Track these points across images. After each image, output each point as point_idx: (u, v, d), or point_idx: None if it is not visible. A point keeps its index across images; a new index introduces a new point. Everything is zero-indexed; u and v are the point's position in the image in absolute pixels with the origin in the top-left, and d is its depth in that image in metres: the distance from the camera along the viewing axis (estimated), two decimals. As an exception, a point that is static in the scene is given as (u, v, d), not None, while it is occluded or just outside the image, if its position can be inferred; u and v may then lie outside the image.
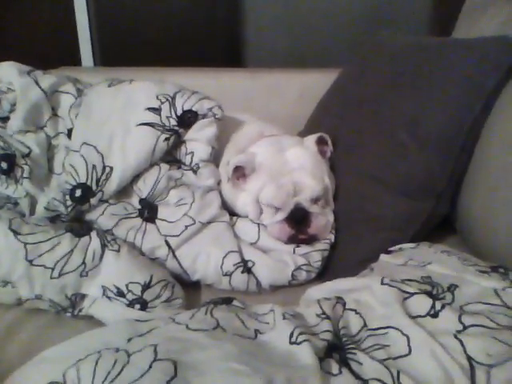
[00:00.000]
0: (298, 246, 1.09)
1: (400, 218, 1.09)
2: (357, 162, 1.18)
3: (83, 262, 0.93)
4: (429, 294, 0.75)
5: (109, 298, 0.93)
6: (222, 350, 0.63)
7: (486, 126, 1.07)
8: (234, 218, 1.13)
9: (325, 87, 1.50)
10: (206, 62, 1.77)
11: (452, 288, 0.76)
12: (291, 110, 1.62)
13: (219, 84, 1.56)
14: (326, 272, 1.10)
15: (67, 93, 1.21)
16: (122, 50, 2.28)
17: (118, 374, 0.59)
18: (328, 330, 0.69)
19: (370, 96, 1.24)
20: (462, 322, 0.67)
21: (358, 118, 1.24)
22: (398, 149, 1.11)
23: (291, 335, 0.67)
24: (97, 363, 0.62)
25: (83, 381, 0.60)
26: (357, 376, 0.62)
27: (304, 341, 0.65)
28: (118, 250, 0.97)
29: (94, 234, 0.98)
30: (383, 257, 0.97)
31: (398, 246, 1.01)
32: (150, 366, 0.59)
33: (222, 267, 1.02)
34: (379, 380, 0.61)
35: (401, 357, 0.65)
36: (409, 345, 0.66)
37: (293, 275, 1.04)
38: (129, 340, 0.68)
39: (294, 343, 0.66)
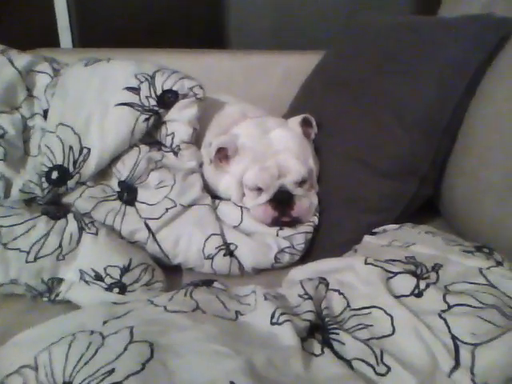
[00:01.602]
0: (281, 229, 1.07)
1: (384, 199, 1.08)
2: (341, 144, 1.16)
3: (60, 246, 0.91)
4: (413, 273, 0.74)
5: (86, 282, 0.90)
6: (201, 331, 0.61)
7: (470, 108, 1.06)
8: (217, 200, 1.11)
9: (308, 69, 1.47)
10: (188, 44, 1.73)
11: (436, 267, 0.75)
12: (274, 92, 1.59)
13: (201, 66, 1.53)
14: (309, 255, 1.09)
15: (43, 72, 1.17)
16: (102, 32, 2.22)
17: (92, 356, 0.57)
18: (310, 311, 0.67)
19: (353, 77, 1.22)
20: (446, 302, 0.66)
21: (342, 99, 1.22)
22: (381, 130, 1.09)
23: (272, 316, 0.65)
24: (70, 346, 0.60)
25: (55, 364, 0.58)
26: (339, 356, 0.61)
27: (285, 321, 0.63)
28: (96, 233, 0.95)
29: (70, 216, 0.95)
30: (367, 238, 0.96)
31: (381, 228, 1.00)
32: (126, 348, 0.57)
33: (203, 250, 1.00)
34: (362, 360, 0.60)
35: (384, 336, 0.64)
36: (392, 324, 0.65)
37: (276, 258, 1.03)
38: (104, 322, 0.66)
39: (276, 324, 0.64)
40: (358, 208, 1.08)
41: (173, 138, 1.10)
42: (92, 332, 0.63)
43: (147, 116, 1.07)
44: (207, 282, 0.81)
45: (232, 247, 1.02)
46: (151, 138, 1.12)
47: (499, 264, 0.74)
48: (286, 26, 2.13)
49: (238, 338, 0.61)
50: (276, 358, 0.57)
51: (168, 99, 1.09)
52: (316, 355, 0.61)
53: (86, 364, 0.56)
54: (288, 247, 1.04)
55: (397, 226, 0.98)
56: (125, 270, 0.91)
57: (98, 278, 0.90)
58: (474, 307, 0.66)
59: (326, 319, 0.67)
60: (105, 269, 0.91)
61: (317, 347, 0.62)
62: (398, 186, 1.07)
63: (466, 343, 0.62)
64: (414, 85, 1.07)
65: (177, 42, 1.80)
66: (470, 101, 1.05)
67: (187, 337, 0.60)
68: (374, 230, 1.00)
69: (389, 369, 0.59)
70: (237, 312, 0.70)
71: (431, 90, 1.05)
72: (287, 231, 1.07)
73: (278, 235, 1.06)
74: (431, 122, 1.05)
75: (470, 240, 0.91)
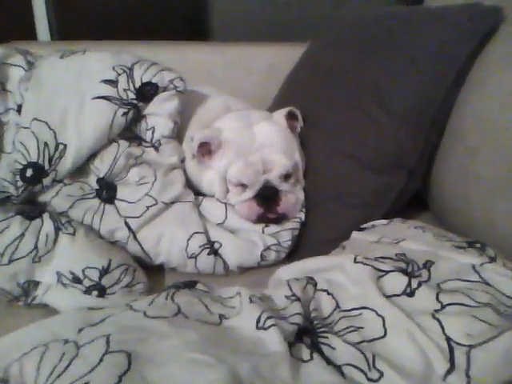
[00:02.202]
0: (267, 226, 1.04)
1: (371, 194, 1.05)
2: (327, 137, 1.13)
3: (35, 247, 0.87)
4: (404, 271, 0.71)
5: (64, 284, 0.87)
6: (183, 339, 0.57)
7: (459, 99, 1.04)
8: (200, 197, 1.08)
9: (293, 62, 1.44)
10: (169, 36, 1.68)
11: (428, 265, 0.72)
12: (258, 85, 1.55)
13: (181, 59, 1.46)
14: (296, 252, 1.06)
15: (16, 65, 1.11)
16: (80, 25, 2.15)
17: (65, 368, 0.53)
18: (298, 313, 0.64)
19: (338, 68, 1.19)
20: (439, 301, 0.64)
21: (328, 91, 1.18)
22: (367, 122, 1.06)
23: (258, 320, 0.62)
24: (42, 357, 0.56)
25: (26, 377, 0.54)
26: (329, 361, 0.58)
27: (272, 325, 0.60)
28: (74, 233, 0.91)
29: (46, 216, 0.92)
30: (355, 234, 0.93)
31: (370, 223, 0.97)
32: (101, 359, 0.54)
33: (186, 249, 0.97)
34: (353, 365, 0.56)
35: (376, 339, 0.61)
36: (384, 326, 0.62)
37: (262, 256, 1.00)
38: (79, 330, 0.62)
39: (262, 328, 0.61)
40: (346, 203, 1.05)
41: (153, 133, 1.06)
42: (66, 341, 0.60)
43: (126, 110, 1.03)
44: (190, 284, 0.77)
45: (216, 245, 0.99)
46: (130, 132, 1.08)
47: (492, 260, 0.72)
48: (270, 18, 2.09)
49: (222, 345, 0.57)
50: (262, 365, 0.54)
51: (147, 92, 1.05)
52: (305, 361, 0.58)
53: (58, 377, 0.52)
54: (274, 244, 1.01)
55: (386, 221, 0.96)
56: (104, 272, 0.88)
57: (76, 280, 0.87)
58: (468, 306, 0.63)
59: (315, 322, 0.64)
60: (83, 271, 0.87)
61: (305, 352, 0.59)
62: (386, 180, 1.05)
63: (460, 345, 0.59)
64: (401, 75, 1.04)
65: (158, 34, 1.74)
66: (459, 92, 1.03)
67: (167, 345, 0.56)
68: (362, 226, 0.98)
69: (381, 374, 0.56)
70: (221, 316, 0.66)
71: (419, 81, 1.02)
72: (273, 228, 1.04)
73: (263, 232, 1.03)
74: (419, 113, 1.02)
75: (459, 234, 0.89)
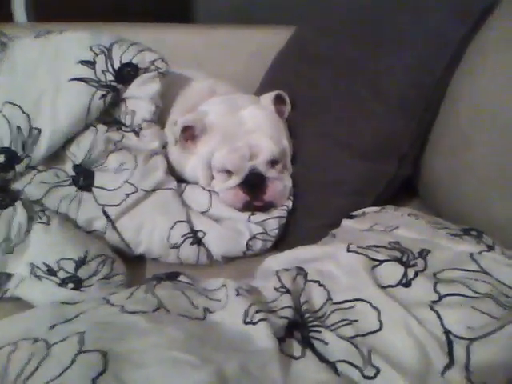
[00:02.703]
0: (253, 214, 1.00)
1: (361, 181, 1.02)
2: (316, 122, 1.09)
3: (7, 237, 0.83)
4: (399, 260, 0.67)
5: (38, 276, 0.83)
6: (164, 336, 0.53)
7: (452, 83, 1.00)
8: (183, 184, 1.03)
9: (280, 45, 1.39)
10: (151, 18, 1.62)
11: (424, 253, 0.68)
12: (244, 69, 1.50)
13: (164, 41, 1.39)
14: (283, 241, 1.03)
15: (-13, 47, 1.05)
16: (59, 6, 2.07)
17: (34, 371, 0.49)
18: (288, 306, 0.60)
19: (328, 51, 1.14)
20: (437, 291, 0.60)
21: (317, 74, 1.14)
22: (358, 107, 1.03)
23: (246, 314, 0.58)
24: (9, 358, 0.51)
25: (-9, 380, 0.49)
26: (322, 358, 0.54)
27: (260, 320, 0.56)
28: (48, 223, 0.87)
29: (19, 204, 0.87)
30: (346, 222, 0.89)
31: (360, 211, 0.94)
32: (74, 360, 0.49)
33: (168, 239, 0.93)
34: (348, 362, 0.53)
35: (371, 333, 0.57)
36: (379, 319, 0.58)
37: (248, 245, 0.97)
38: (51, 327, 0.57)
39: (250, 323, 0.57)
40: (335, 190, 1.02)
41: (133, 117, 1.01)
42: (36, 340, 0.55)
43: (104, 92, 0.98)
44: (171, 276, 0.73)
45: (200, 235, 0.95)
46: (109, 116, 1.03)
47: (490, 248, 0.69)
48: (256, 0, 2.03)
49: (207, 342, 0.53)
50: (251, 364, 0.50)
51: (127, 73, 1.00)
52: (296, 358, 0.53)
53: (26, 380, 0.47)
54: (261, 233, 0.98)
55: (377, 208, 0.92)
56: (80, 263, 0.84)
57: (51, 272, 0.83)
58: (468, 297, 0.60)
59: (306, 315, 0.60)
60: (58, 262, 0.83)
61: (296, 348, 0.55)
62: (377, 167, 1.02)
63: (460, 337, 0.56)
64: (393, 58, 1.00)
65: (139, 16, 1.67)
66: (452, 75, 0.99)
67: (147, 343, 0.52)
68: (352, 214, 0.94)
69: (378, 371, 0.52)
70: (205, 309, 0.62)
71: (411, 63, 0.98)
72: (260, 216, 1.00)
73: (249, 221, 1.00)
74: (411, 97, 0.99)
75: (450, 221, 0.86)
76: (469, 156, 0.93)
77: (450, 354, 0.55)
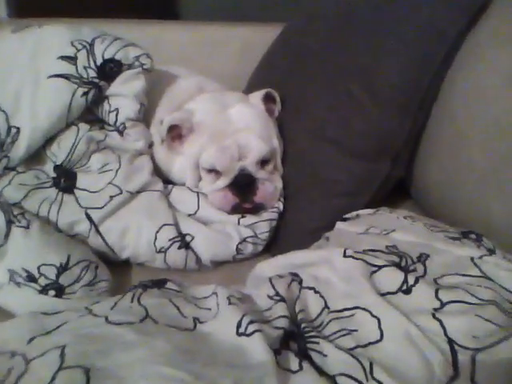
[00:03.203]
0: (242, 217, 0.98)
1: (354, 181, 0.98)
2: (307, 122, 1.06)
3: None
4: (397, 265, 0.64)
5: (17, 283, 0.79)
6: (152, 350, 0.49)
7: (447, 80, 0.97)
8: (169, 186, 1.00)
9: (268, 42, 1.37)
10: (136, 14, 1.58)
11: (423, 258, 0.66)
12: (232, 67, 1.47)
13: (150, 38, 1.36)
14: (274, 244, 1.00)
15: (-37, 42, 1.01)
16: (42, 2, 2.01)
17: (10, 389, 0.44)
18: (283, 316, 0.57)
19: (318, 48, 1.11)
20: (438, 298, 0.57)
21: (307, 72, 1.11)
22: (351, 105, 1.00)
23: (239, 325, 0.54)
24: (-17, 375, 0.47)
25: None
26: (321, 371, 0.50)
27: (255, 331, 0.52)
28: (28, 227, 0.83)
29: None
30: (339, 225, 0.86)
31: (354, 213, 0.91)
32: (54, 377, 0.45)
33: (155, 243, 0.90)
34: (348, 375, 0.49)
35: (371, 343, 0.54)
36: (380, 328, 0.55)
37: (237, 249, 0.94)
38: (30, 340, 0.53)
39: (243, 335, 0.53)
40: (327, 191, 0.99)
41: (117, 115, 0.98)
42: (13, 353, 0.51)
43: (86, 89, 0.95)
44: (159, 283, 0.69)
45: (188, 238, 0.92)
46: (92, 115, 1.00)
47: (491, 252, 0.66)
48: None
49: (198, 356, 0.49)
50: (245, 379, 0.46)
51: (110, 70, 0.97)
52: (293, 372, 0.50)
53: (1, 400, 0.44)
54: (251, 236, 0.95)
55: (371, 210, 0.89)
56: (62, 269, 0.80)
57: (31, 278, 0.79)
58: (471, 304, 0.57)
59: (303, 325, 0.57)
60: (38, 268, 0.79)
61: (293, 361, 0.51)
62: (370, 167, 0.98)
63: (464, 348, 0.53)
64: (387, 55, 0.97)
65: (124, 11, 1.63)
66: (447, 73, 0.97)
67: (133, 357, 0.48)
68: (345, 216, 0.91)
69: (380, 384, 0.49)
70: (195, 319, 0.58)
71: (405, 59, 0.95)
72: (250, 219, 0.98)
73: (239, 223, 0.97)
74: (405, 94, 0.95)
75: (444, 223, 0.83)
76: (464, 155, 0.91)
77: (455, 365, 0.52)
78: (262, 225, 0.97)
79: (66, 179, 0.92)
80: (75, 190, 0.91)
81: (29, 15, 1.76)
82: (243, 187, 0.97)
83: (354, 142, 0.98)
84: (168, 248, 0.90)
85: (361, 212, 0.90)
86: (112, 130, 0.99)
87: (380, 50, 0.98)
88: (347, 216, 0.91)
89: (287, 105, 1.11)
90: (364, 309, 0.57)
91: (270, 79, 1.22)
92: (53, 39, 0.98)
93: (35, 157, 0.95)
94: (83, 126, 0.96)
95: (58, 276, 0.79)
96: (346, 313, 0.58)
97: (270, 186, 0.99)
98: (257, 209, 0.99)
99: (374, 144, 0.97)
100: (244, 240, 0.94)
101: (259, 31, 1.49)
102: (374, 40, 1.00)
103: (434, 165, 1.00)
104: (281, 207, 1.00)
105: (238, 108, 1.03)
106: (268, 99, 1.09)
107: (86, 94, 0.94)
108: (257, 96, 1.08)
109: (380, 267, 0.63)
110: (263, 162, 0.99)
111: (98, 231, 0.89)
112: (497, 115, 0.85)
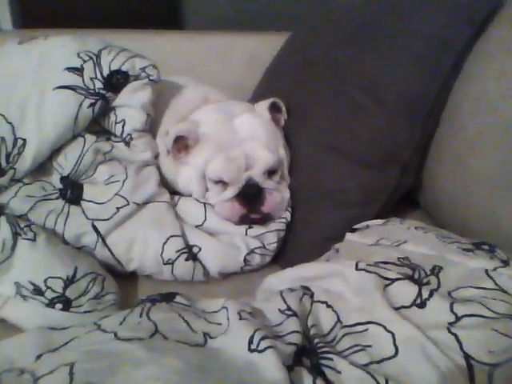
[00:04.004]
0: (250, 227, 0.96)
1: (363, 191, 0.98)
2: (313, 131, 1.05)
3: None
4: (411, 278, 0.63)
5: (24, 296, 0.78)
6: (163, 367, 0.48)
7: (456, 88, 0.97)
8: (176, 196, 0.99)
9: (273, 51, 1.36)
10: (140, 25, 1.58)
11: (436, 270, 0.64)
12: (237, 77, 1.47)
13: (155, 48, 1.35)
14: (282, 255, 0.99)
15: (-31, 54, 1.01)
16: (46, 13, 2.02)
17: (18, 409, 0.43)
18: (296, 331, 0.55)
19: (325, 55, 1.10)
20: (453, 312, 0.56)
21: (314, 81, 1.11)
22: (358, 114, 0.99)
23: (251, 341, 0.53)
24: (-10, 394, 0.46)
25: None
26: (335, 388, 0.49)
27: (267, 348, 0.51)
28: (34, 239, 0.82)
29: (3, 220, 0.83)
30: (349, 236, 0.85)
31: (363, 224, 0.90)
32: (63, 397, 0.44)
33: (162, 255, 0.89)
34: (364, 393, 0.48)
35: (386, 359, 0.53)
36: (395, 344, 0.54)
37: (245, 260, 0.93)
38: (38, 357, 0.52)
39: (255, 351, 0.52)
40: (335, 201, 0.98)
41: (123, 126, 0.97)
42: (22, 371, 0.49)
43: (93, 101, 0.94)
44: (167, 297, 0.67)
45: (195, 250, 0.91)
46: (98, 126, 0.99)
47: (506, 264, 0.65)
48: (248, 6, 2.00)
49: (210, 373, 0.48)
50: (259, 399, 0.45)
51: (117, 81, 0.96)
52: (307, 389, 0.49)
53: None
54: (258, 247, 0.94)
55: (381, 221, 0.88)
56: (69, 282, 0.80)
57: (37, 291, 0.78)
58: (486, 317, 0.56)
59: (316, 340, 0.56)
60: (45, 281, 0.79)
61: (307, 378, 0.50)
62: (378, 176, 0.98)
63: (481, 363, 0.52)
64: (394, 62, 0.97)
65: (128, 22, 1.64)
66: (455, 80, 0.96)
67: (143, 375, 0.47)
68: (355, 227, 0.90)
69: (396, 402, 0.48)
70: (205, 334, 0.57)
71: (413, 68, 0.95)
72: (257, 229, 0.97)
73: (246, 234, 0.96)
74: (414, 103, 0.95)
75: (455, 233, 0.82)
76: (474, 163, 0.90)
77: (472, 381, 0.51)
78: (269, 235, 0.96)
79: (72, 191, 0.92)
80: (82, 202, 0.91)
81: (34, 26, 1.77)
82: (250, 197, 0.96)
83: (362, 151, 0.97)
84: (175, 260, 0.89)
85: (370, 223, 0.89)
86: (118, 141, 0.98)
87: (387, 60, 0.98)
88: (357, 226, 0.90)
89: (293, 114, 1.10)
90: (378, 323, 0.56)
91: (276, 89, 1.21)
92: (59, 50, 0.98)
93: (41, 168, 0.95)
94: (90, 138, 0.95)
95: (64, 289, 0.78)
96: (360, 327, 0.57)
97: (278, 195, 0.98)
98: (264, 219, 0.97)
99: (382, 153, 0.97)
100: (252, 251, 0.93)
101: (264, 40, 1.49)
102: (380, 51, 0.99)
103: (443, 174, 1.00)
104: (288, 217, 0.99)
105: (243, 118, 1.02)
106: (274, 109, 1.09)
107: (92, 105, 0.94)
108: (263, 105, 1.07)
109: (393, 280, 0.61)
110: (270, 172, 0.98)
111: (104, 243, 0.88)
112: (504, 125, 0.85)
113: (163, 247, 0.89)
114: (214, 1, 2.04)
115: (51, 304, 0.78)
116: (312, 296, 0.63)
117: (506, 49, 0.88)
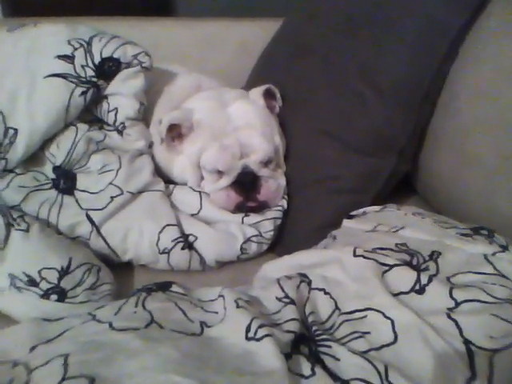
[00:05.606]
0: (246, 215, 0.96)
1: (359, 178, 0.97)
2: (308, 118, 1.04)
3: None
4: (409, 264, 0.62)
5: (18, 288, 0.77)
6: (158, 357, 0.47)
7: (452, 74, 0.96)
8: (171, 185, 0.98)
9: (267, 38, 1.35)
10: (131, 11, 1.56)
11: (434, 256, 0.64)
12: (230, 64, 1.45)
13: (146, 35, 1.33)
14: (279, 243, 0.98)
15: (-43, 42, 0.99)
16: (35, 0, 1.99)
17: (12, 401, 0.43)
18: (294, 319, 0.55)
19: (319, 42, 1.09)
20: (453, 298, 0.56)
21: (308, 67, 1.09)
22: (354, 100, 0.98)
23: (248, 329, 0.52)
24: (-17, 386, 0.45)
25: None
26: (334, 376, 0.49)
27: (265, 336, 0.51)
28: (27, 230, 0.81)
29: None
30: (346, 222, 0.84)
31: (360, 210, 0.89)
32: (57, 388, 0.43)
33: (158, 244, 0.88)
34: (363, 380, 0.47)
35: (385, 346, 0.52)
36: (394, 330, 0.53)
37: (242, 248, 0.92)
38: (32, 348, 0.51)
39: (253, 339, 0.51)
40: (331, 188, 0.97)
41: (116, 115, 0.96)
42: (15, 363, 0.49)
43: (84, 89, 0.92)
44: (163, 286, 0.67)
45: (191, 239, 0.90)
46: (90, 115, 0.98)
47: (504, 249, 0.64)
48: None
49: (207, 363, 0.47)
50: (257, 387, 0.45)
51: (108, 69, 0.94)
52: (306, 377, 0.48)
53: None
54: (255, 236, 0.93)
55: (378, 207, 0.87)
56: (63, 273, 0.78)
57: (32, 282, 0.77)
58: (486, 303, 0.55)
59: (314, 328, 0.55)
60: (39, 272, 0.77)
61: (305, 366, 0.49)
62: (375, 163, 0.97)
63: (482, 348, 0.51)
64: (388, 47, 0.96)
65: (119, 9, 1.61)
66: (452, 65, 0.95)
67: (139, 366, 0.46)
68: (352, 213, 0.89)
69: (396, 389, 0.48)
70: (202, 323, 0.56)
71: (408, 54, 0.94)
72: (253, 217, 0.96)
73: (243, 222, 0.95)
74: (409, 89, 0.94)
75: (453, 218, 0.81)
76: (471, 148, 0.89)
77: (472, 366, 0.50)
78: (266, 223, 0.95)
79: (65, 180, 0.90)
80: (75, 192, 0.89)
81: (24, 14, 1.74)
82: (246, 185, 0.95)
83: (358, 137, 0.97)
84: (171, 249, 0.88)
85: (367, 209, 0.88)
86: (111, 130, 0.97)
87: (381, 46, 0.96)
88: (353, 213, 0.89)
89: (288, 101, 1.09)
90: (377, 310, 0.55)
91: (269, 75, 1.20)
92: (49, 38, 0.96)
93: (34, 158, 0.93)
94: (82, 127, 0.94)
95: (59, 280, 0.77)
96: (358, 314, 0.56)
97: (274, 183, 0.98)
98: (261, 207, 0.97)
99: (378, 140, 0.96)
100: (248, 239, 0.92)
101: (257, 27, 1.47)
102: (375, 37, 0.98)
103: (439, 159, 0.99)
104: (285, 205, 0.99)
105: (238, 105, 1.01)
106: (268, 95, 1.07)
107: (84, 93, 0.92)
108: (257, 92, 1.06)
109: (391, 266, 0.61)
110: (267, 161, 0.97)
111: (99, 233, 0.87)
112: (501, 110, 0.84)
113: (159, 236, 0.88)
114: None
115: (46, 295, 0.76)
116: (309, 283, 0.62)
117: (502, 34, 0.86)
